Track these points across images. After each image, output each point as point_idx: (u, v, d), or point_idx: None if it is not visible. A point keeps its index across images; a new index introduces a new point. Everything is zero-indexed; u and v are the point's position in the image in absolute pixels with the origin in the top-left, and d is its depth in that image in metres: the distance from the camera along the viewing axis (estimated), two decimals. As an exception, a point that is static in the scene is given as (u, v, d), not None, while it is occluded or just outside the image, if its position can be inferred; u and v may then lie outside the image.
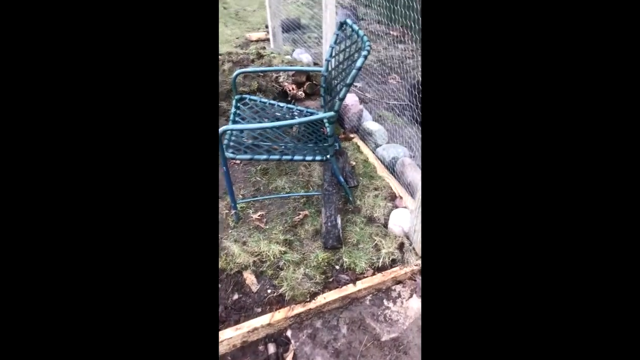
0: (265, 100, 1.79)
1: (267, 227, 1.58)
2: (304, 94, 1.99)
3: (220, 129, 1.30)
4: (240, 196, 1.74)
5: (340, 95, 1.29)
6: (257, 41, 3.68)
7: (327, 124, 1.40)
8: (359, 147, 2.04)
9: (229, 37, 3.85)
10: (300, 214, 1.63)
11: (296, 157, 1.45)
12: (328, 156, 1.48)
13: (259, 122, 1.66)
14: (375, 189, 1.73)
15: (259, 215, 1.62)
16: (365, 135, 2.13)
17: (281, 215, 1.63)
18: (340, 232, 1.48)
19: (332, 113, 1.35)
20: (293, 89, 2.00)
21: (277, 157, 1.42)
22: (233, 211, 1.58)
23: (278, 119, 1.70)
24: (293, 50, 3.43)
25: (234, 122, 1.62)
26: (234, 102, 1.72)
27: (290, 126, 1.67)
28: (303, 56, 3.24)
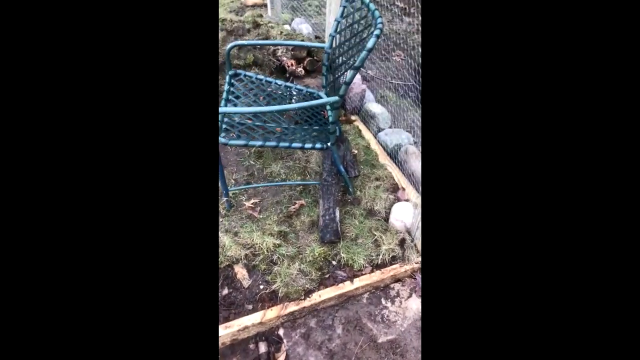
0: (262, 77, 1.64)
1: (261, 216, 1.48)
2: (303, 71, 1.84)
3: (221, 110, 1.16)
4: (233, 181, 1.62)
5: (347, 78, 1.15)
6: (253, 6, 3.42)
7: (329, 110, 1.27)
8: (360, 131, 1.92)
9: (223, 0, 3.57)
10: (296, 203, 1.53)
11: (294, 145, 1.33)
12: (329, 144, 1.36)
13: (255, 101, 1.52)
14: (377, 179, 1.62)
15: (252, 204, 1.52)
16: (368, 118, 2.01)
17: (276, 204, 1.53)
18: (339, 225, 1.39)
19: (336, 98, 1.22)
20: (292, 64, 1.84)
21: (273, 143, 1.30)
22: (224, 199, 1.47)
23: (275, 99, 1.56)
24: (292, 19, 3.20)
25: (227, 100, 1.48)
26: (227, 78, 1.57)
27: (292, 110, 1.54)
28: (303, 27, 3.02)
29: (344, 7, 1.43)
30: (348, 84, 1.17)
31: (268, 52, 2.07)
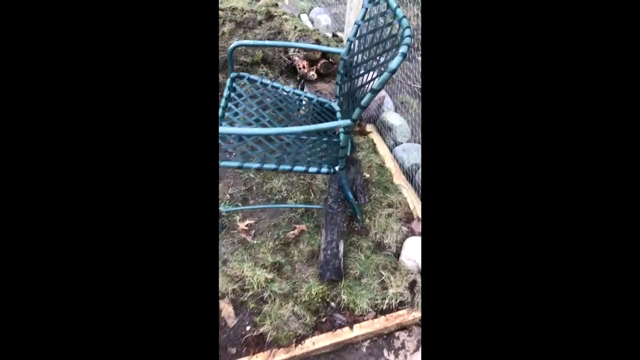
0: (267, 82, 1.45)
1: (255, 242, 1.32)
2: (316, 75, 1.64)
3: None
4: (228, 196, 1.46)
5: (363, 101, 0.96)
6: (270, -8, 3.19)
7: (341, 132, 1.09)
8: (374, 145, 1.72)
9: (240, -17, 3.34)
10: (295, 227, 1.37)
11: (297, 168, 1.15)
12: (337, 168, 1.18)
13: (257, 111, 1.34)
14: (389, 206, 1.44)
15: (246, 225, 1.36)
16: (385, 130, 1.81)
17: (273, 228, 1.37)
18: (342, 262, 1.22)
19: (348, 122, 1.03)
20: (304, 66, 1.65)
21: (272, 166, 1.13)
22: (216, 220, 1.32)
23: (281, 110, 1.38)
24: (310, 9, 2.97)
25: (226, 109, 1.30)
26: (228, 81, 1.39)
27: (296, 134, 1.36)
28: (321, 17, 2.79)
29: (367, 9, 1.22)
30: (363, 107, 0.98)
31: (279, 49, 1.87)
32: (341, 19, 2.94)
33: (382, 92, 1.87)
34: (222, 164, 1.10)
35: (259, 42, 1.37)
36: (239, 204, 1.44)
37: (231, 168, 1.10)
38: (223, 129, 1.01)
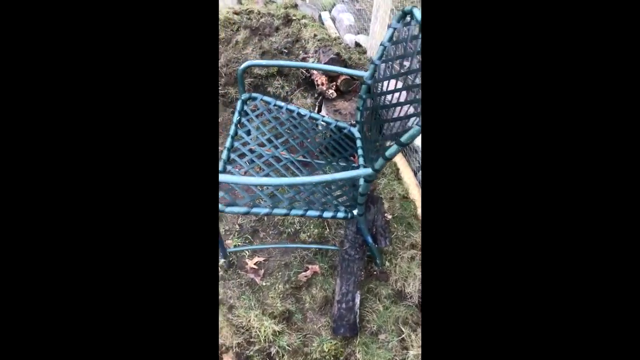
0: (282, 104, 1.32)
1: (265, 283, 1.22)
2: (335, 93, 1.49)
3: (220, 178, 0.88)
4: (237, 227, 1.36)
5: (387, 153, 0.82)
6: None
7: (362, 180, 0.95)
8: (397, 170, 1.57)
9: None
10: (308, 268, 1.25)
11: (310, 213, 1.03)
12: (355, 213, 1.05)
13: (269, 140, 1.21)
14: (413, 246, 1.30)
15: (255, 263, 1.26)
16: (409, 152, 1.65)
17: (284, 267, 1.26)
18: (357, 317, 1.10)
19: (369, 171, 0.89)
20: (323, 83, 1.50)
21: (283, 211, 1.01)
22: (222, 260, 1.22)
23: (296, 138, 1.25)
24: (333, 6, 2.78)
25: (234, 137, 1.18)
26: (239, 104, 1.27)
27: (310, 184, 1.23)
28: (344, 16, 2.59)
29: (394, 29, 1.06)
30: (387, 159, 0.84)
31: (297, 58, 1.72)
32: (365, 16, 2.74)
33: (411, 109, 1.70)
34: (226, 210, 0.98)
35: (272, 62, 1.24)
36: (248, 237, 1.34)
37: (238, 214, 0.99)
38: (225, 177, 0.89)
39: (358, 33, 2.36)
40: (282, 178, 0.94)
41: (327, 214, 1.04)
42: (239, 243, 1.31)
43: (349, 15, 2.60)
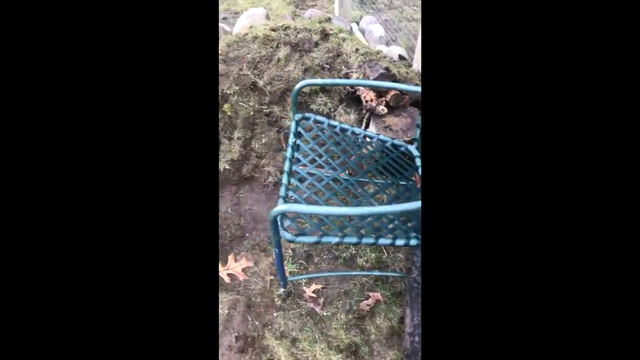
0: (336, 123, 1.27)
1: (326, 313, 1.15)
2: (386, 109, 1.44)
3: (275, 211, 0.84)
4: (290, 251, 1.31)
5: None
6: (315, -1, 2.99)
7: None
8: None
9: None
10: (369, 297, 1.19)
11: (382, 241, 0.97)
12: (418, 239, 0.98)
13: (326, 161, 1.16)
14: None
15: (314, 292, 1.20)
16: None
17: (344, 295, 1.20)
18: (432, 350, 1.03)
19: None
20: (371, 99, 1.45)
21: (354, 240, 0.95)
22: (281, 290, 1.16)
23: (351, 157, 1.20)
24: (361, 18, 2.75)
25: (291, 160, 1.13)
26: (293, 124, 1.22)
27: (370, 215, 1.18)
28: (373, 27, 2.56)
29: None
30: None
31: (339, 74, 1.68)
32: (392, 26, 2.70)
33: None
34: (297, 240, 0.93)
35: (329, 81, 1.19)
36: (302, 262, 1.28)
37: (309, 243, 0.93)
38: (292, 206, 0.84)
39: (387, 44, 2.32)
40: (358, 208, 0.88)
41: (400, 242, 0.97)
42: (295, 270, 1.26)
43: (378, 26, 2.56)
